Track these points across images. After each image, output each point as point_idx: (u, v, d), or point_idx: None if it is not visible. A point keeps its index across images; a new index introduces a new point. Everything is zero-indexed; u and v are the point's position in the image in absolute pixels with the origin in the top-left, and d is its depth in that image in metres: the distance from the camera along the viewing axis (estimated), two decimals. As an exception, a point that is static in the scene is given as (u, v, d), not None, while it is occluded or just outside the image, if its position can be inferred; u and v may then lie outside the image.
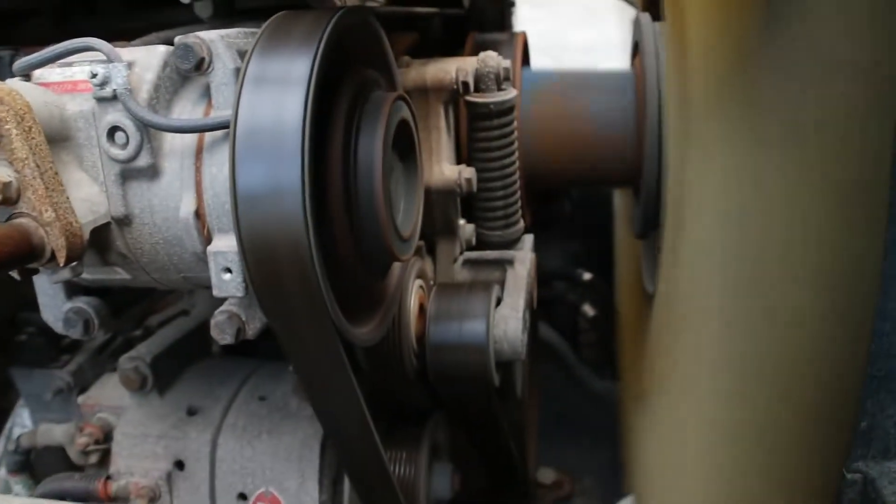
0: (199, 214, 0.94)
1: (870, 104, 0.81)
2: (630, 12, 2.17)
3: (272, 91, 0.85)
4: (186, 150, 0.94)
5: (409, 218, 1.09)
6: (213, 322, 0.95)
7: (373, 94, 1.00)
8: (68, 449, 1.36)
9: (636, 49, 1.78)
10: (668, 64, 1.62)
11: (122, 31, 1.12)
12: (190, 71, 0.91)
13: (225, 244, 0.91)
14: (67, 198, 0.88)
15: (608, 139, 1.72)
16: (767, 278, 0.94)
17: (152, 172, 0.94)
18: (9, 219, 0.84)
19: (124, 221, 0.96)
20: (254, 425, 1.29)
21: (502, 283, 1.41)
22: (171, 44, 0.94)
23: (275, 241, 0.84)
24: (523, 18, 2.63)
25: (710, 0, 1.18)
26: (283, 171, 0.83)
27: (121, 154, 0.92)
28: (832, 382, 0.77)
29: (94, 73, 0.90)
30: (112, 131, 0.91)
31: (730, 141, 1.11)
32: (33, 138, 0.84)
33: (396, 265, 1.16)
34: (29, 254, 0.84)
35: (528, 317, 1.40)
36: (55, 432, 1.38)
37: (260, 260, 0.86)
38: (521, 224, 1.52)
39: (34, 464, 1.45)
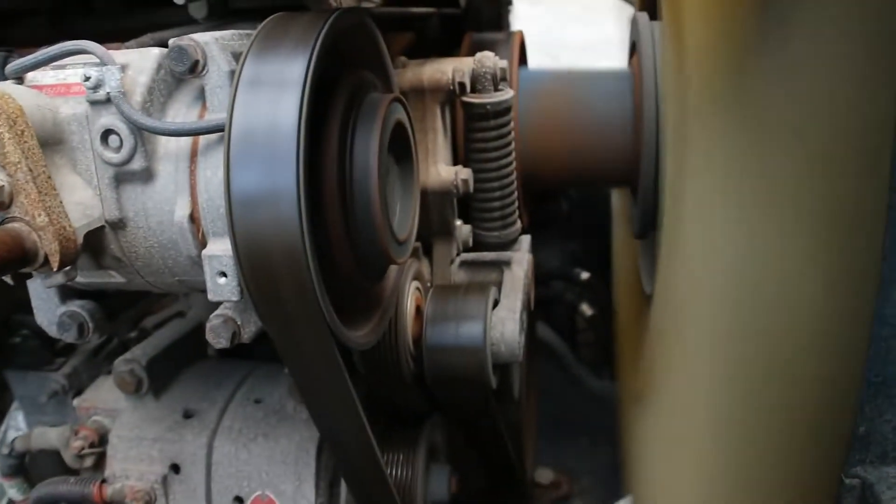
0: (193, 218, 0.93)
1: (868, 104, 0.80)
2: (628, 10, 2.16)
3: (267, 94, 0.85)
4: (181, 153, 0.93)
5: (406, 220, 1.09)
6: (208, 326, 0.94)
7: (368, 97, 1.00)
8: (63, 452, 1.35)
9: (634, 48, 1.77)
10: (665, 63, 1.61)
11: (117, 32, 1.12)
12: (184, 73, 0.90)
13: (220, 248, 0.91)
14: (61, 202, 0.87)
15: (606, 139, 1.72)
16: (765, 280, 0.94)
17: (146, 176, 0.93)
18: (1, 223, 0.83)
19: (118, 225, 0.96)
20: (250, 428, 1.28)
21: (499, 285, 1.41)
22: (166, 45, 0.93)
23: (270, 244, 0.84)
24: (521, 16, 2.63)
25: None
26: (278, 174, 0.82)
27: (115, 157, 0.91)
28: (830, 386, 0.77)
29: (88, 76, 0.89)
30: (106, 134, 0.91)
31: (727, 141, 1.10)
32: (26, 142, 0.84)
33: (393, 267, 1.15)
34: (22, 259, 0.83)
35: (526, 318, 1.40)
36: (50, 435, 1.37)
37: (255, 264, 0.85)
38: (518, 225, 1.51)
39: (29, 467, 1.44)
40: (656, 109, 1.61)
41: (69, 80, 0.94)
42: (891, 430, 0.66)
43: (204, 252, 0.91)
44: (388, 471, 1.33)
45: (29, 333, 1.43)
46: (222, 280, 0.91)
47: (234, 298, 0.91)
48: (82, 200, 0.92)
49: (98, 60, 0.91)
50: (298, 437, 1.25)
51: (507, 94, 1.39)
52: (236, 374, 1.40)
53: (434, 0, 1.66)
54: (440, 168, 1.37)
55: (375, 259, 1.00)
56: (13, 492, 1.44)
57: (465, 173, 1.37)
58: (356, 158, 0.93)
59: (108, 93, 0.89)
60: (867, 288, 0.65)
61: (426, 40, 1.80)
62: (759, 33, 0.94)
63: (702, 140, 1.25)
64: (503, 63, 1.39)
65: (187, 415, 1.32)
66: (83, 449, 1.32)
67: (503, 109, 1.39)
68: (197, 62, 0.90)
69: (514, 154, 1.46)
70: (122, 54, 0.94)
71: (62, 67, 0.95)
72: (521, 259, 1.46)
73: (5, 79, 0.96)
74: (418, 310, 1.28)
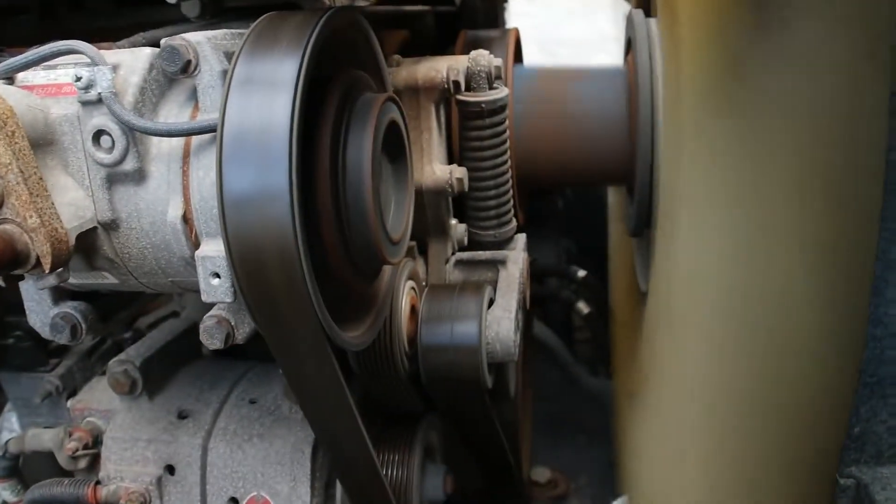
0: (186, 219, 0.93)
1: (861, 103, 0.80)
2: (624, 6, 2.16)
3: (259, 94, 0.84)
4: (173, 153, 0.93)
5: (400, 220, 1.08)
6: (202, 327, 0.94)
7: (362, 96, 0.99)
8: (57, 454, 1.34)
9: (629, 45, 1.77)
10: (660, 61, 1.61)
11: (108, 30, 1.11)
12: (176, 74, 0.90)
13: (213, 249, 0.90)
14: (52, 203, 0.87)
15: (601, 136, 1.72)
16: (760, 277, 0.94)
17: (139, 176, 0.93)
18: (-8, 225, 0.83)
19: (111, 226, 0.95)
20: (245, 429, 1.27)
21: (495, 284, 1.41)
22: (158, 44, 0.92)
23: (263, 245, 0.83)
24: (518, 12, 2.63)
25: None
26: (270, 174, 0.82)
27: (107, 158, 0.91)
28: (825, 385, 0.77)
29: (79, 76, 0.88)
30: (97, 135, 0.90)
31: (722, 138, 1.10)
32: (16, 143, 0.83)
33: (388, 267, 1.15)
34: (13, 260, 0.83)
35: (521, 317, 1.39)
36: (44, 437, 1.36)
37: (248, 265, 0.85)
38: (514, 223, 1.51)
39: (23, 469, 1.44)
40: (651, 107, 1.61)
41: (60, 81, 0.93)
42: (885, 430, 0.66)
43: (197, 253, 0.91)
44: (384, 471, 1.33)
45: (22, 335, 1.42)
46: (216, 281, 0.90)
47: (228, 300, 0.91)
48: (74, 201, 0.91)
49: (89, 60, 0.90)
50: (294, 438, 1.25)
51: (501, 92, 1.38)
52: (231, 374, 1.39)
53: (429, -2, 1.65)
54: (435, 167, 1.37)
55: (369, 259, 0.99)
56: (7, 494, 1.43)
57: (459, 172, 1.37)
58: (349, 159, 0.93)
59: (99, 93, 0.88)
60: (861, 288, 0.64)
61: (421, 38, 1.80)
62: (752, 31, 0.94)
63: (695, 138, 1.25)
64: (498, 61, 1.38)
65: (182, 415, 1.31)
66: (77, 450, 1.31)
67: (498, 108, 1.38)
68: (189, 62, 0.89)
69: (509, 152, 1.46)
70: (113, 54, 0.93)
71: (53, 67, 0.95)
72: (516, 258, 1.46)
73: (-5, 79, 0.95)
74: (413, 309, 1.28)
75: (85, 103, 0.90)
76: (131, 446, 1.28)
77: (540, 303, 2.66)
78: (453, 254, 1.48)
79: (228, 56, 0.92)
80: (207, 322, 0.94)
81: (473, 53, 1.38)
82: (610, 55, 2.06)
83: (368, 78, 1.08)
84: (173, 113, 0.95)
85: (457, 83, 1.34)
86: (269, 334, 0.92)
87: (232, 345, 0.95)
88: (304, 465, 1.23)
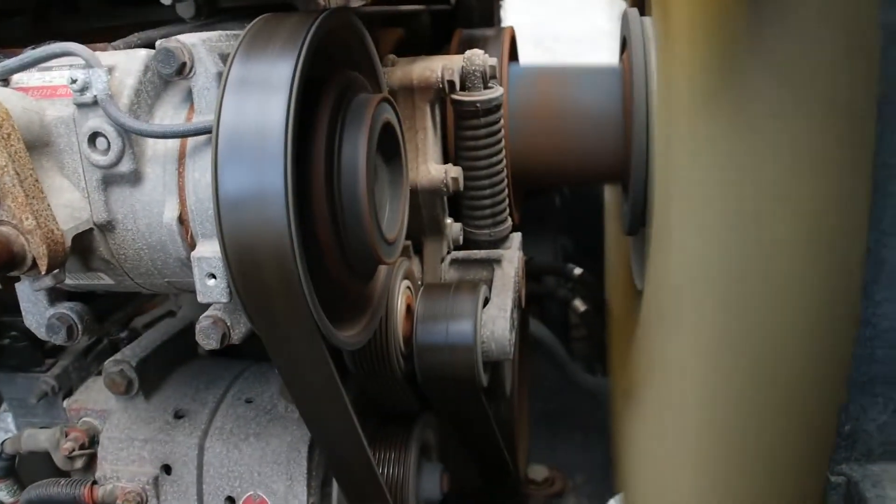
0: (182, 220, 0.93)
1: (855, 103, 0.81)
2: (619, 2, 2.17)
3: (254, 95, 0.85)
4: (169, 154, 0.93)
5: (395, 221, 1.09)
6: (198, 327, 0.94)
7: (357, 97, 1.00)
8: (53, 454, 1.34)
9: (624, 44, 1.77)
10: (654, 59, 1.62)
11: (103, 31, 1.11)
12: (171, 76, 0.90)
13: (209, 250, 0.91)
14: (48, 205, 0.87)
15: (596, 135, 1.72)
16: (754, 276, 0.95)
17: (135, 178, 0.93)
18: (-12, 227, 0.83)
19: (107, 227, 0.96)
20: (241, 428, 1.28)
21: (490, 283, 1.41)
22: (153, 45, 0.93)
23: (258, 246, 0.84)
24: (515, 8, 2.63)
25: None
26: (265, 175, 0.82)
27: (102, 160, 0.91)
28: (818, 384, 0.77)
29: (74, 78, 0.89)
30: (93, 137, 0.91)
31: (716, 137, 1.11)
32: (12, 145, 0.83)
33: (383, 267, 1.15)
34: (10, 262, 0.83)
35: (516, 316, 1.40)
36: (40, 437, 1.36)
37: (243, 266, 0.85)
38: (509, 222, 1.52)
39: (19, 469, 1.44)
40: (646, 106, 1.61)
41: (55, 83, 0.93)
42: (875, 428, 0.67)
43: (193, 254, 0.91)
44: (380, 469, 1.33)
45: (18, 335, 1.42)
46: (211, 282, 0.91)
47: (224, 300, 0.91)
48: (70, 203, 0.92)
49: (84, 62, 0.91)
50: (290, 437, 1.25)
51: (496, 91, 1.39)
52: (227, 373, 1.40)
53: (424, -3, 1.66)
54: (430, 166, 1.38)
55: (364, 260, 1.00)
56: (3, 494, 1.43)
57: (454, 171, 1.37)
58: (344, 160, 0.93)
59: (95, 95, 0.89)
60: (852, 289, 0.65)
61: (417, 37, 1.80)
62: (746, 30, 0.95)
63: (688, 137, 1.25)
64: (492, 61, 1.39)
65: (178, 415, 1.32)
66: (73, 450, 1.31)
67: (493, 107, 1.39)
68: (184, 64, 0.89)
69: (504, 151, 1.46)
70: (108, 56, 0.94)
71: (48, 69, 0.95)
72: (511, 257, 1.46)
73: (-10, 81, 0.96)
74: (409, 309, 1.28)
75: (80, 105, 0.90)
76: (128, 446, 1.29)
77: (537, 300, 2.67)
78: (449, 253, 1.48)
79: (223, 58, 0.92)
80: (203, 322, 0.94)
81: (468, 53, 1.38)
82: (606, 50, 2.06)
83: (363, 79, 1.08)
84: (169, 114, 0.95)
85: (452, 83, 1.35)
86: (265, 334, 0.92)
87: (228, 345, 0.96)
88: (300, 463, 1.23)
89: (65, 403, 1.39)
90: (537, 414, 2.47)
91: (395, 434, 1.41)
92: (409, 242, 1.41)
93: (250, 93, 0.85)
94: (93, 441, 1.34)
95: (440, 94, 1.37)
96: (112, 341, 1.52)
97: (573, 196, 2.75)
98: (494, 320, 1.29)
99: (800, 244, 0.84)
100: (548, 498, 2.24)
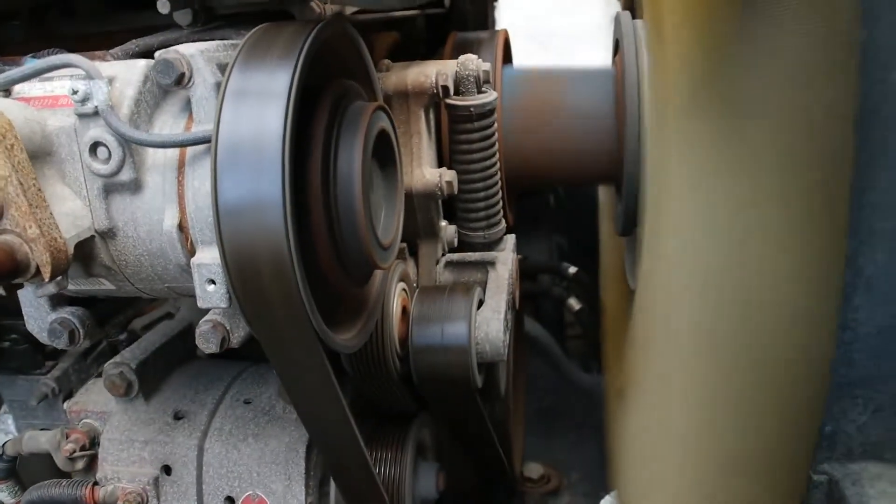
0: (182, 227, 0.95)
1: (847, 104, 0.82)
2: (616, 4, 2.18)
3: (252, 105, 0.86)
4: (168, 163, 0.95)
5: (390, 226, 1.10)
6: (197, 332, 0.96)
7: (352, 105, 1.01)
8: (54, 455, 1.36)
9: (617, 46, 1.79)
10: (646, 62, 1.63)
11: (100, 35, 1.12)
12: (170, 86, 0.92)
13: (208, 256, 0.92)
14: (51, 213, 0.89)
15: (589, 137, 1.74)
16: (741, 277, 0.96)
17: (135, 186, 0.95)
18: (-8, 236, 0.85)
19: (108, 234, 0.97)
20: (240, 429, 1.30)
21: (484, 285, 1.43)
22: (151, 51, 0.94)
23: (257, 252, 0.86)
24: (511, 4, 2.64)
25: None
26: (263, 183, 0.84)
27: (103, 169, 0.93)
28: (801, 386, 0.79)
29: (75, 89, 0.90)
30: (94, 147, 0.92)
31: (706, 139, 1.12)
32: (16, 156, 0.85)
33: (378, 271, 1.17)
34: (14, 270, 0.85)
35: (510, 317, 1.42)
36: (41, 439, 1.38)
37: (242, 272, 0.87)
38: (503, 225, 1.53)
39: (20, 471, 1.45)
40: (638, 108, 1.63)
41: (56, 92, 0.95)
42: (855, 429, 0.69)
43: (193, 260, 0.93)
44: (377, 469, 1.35)
45: (18, 338, 1.43)
46: (211, 287, 0.93)
47: (223, 305, 0.93)
48: (72, 211, 0.93)
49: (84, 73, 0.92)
50: (288, 438, 1.27)
51: (490, 96, 1.41)
52: (226, 375, 1.41)
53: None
54: (425, 170, 1.39)
55: (360, 265, 1.02)
56: (4, 495, 1.45)
57: (449, 175, 1.39)
58: (340, 167, 0.95)
59: (96, 106, 0.90)
60: (833, 293, 0.67)
61: (412, 40, 1.81)
62: (735, 32, 0.96)
63: (681, 138, 1.27)
64: (486, 65, 1.40)
65: (178, 416, 1.33)
66: (74, 452, 1.33)
67: (487, 111, 1.41)
68: (183, 74, 0.91)
69: (498, 155, 1.48)
70: (108, 66, 0.95)
71: (49, 79, 0.97)
72: (505, 259, 1.48)
73: (-8, 92, 0.97)
74: (404, 311, 1.30)
75: (81, 116, 0.92)
76: (128, 447, 1.30)
77: (532, 299, 2.69)
78: (443, 255, 1.50)
79: (221, 68, 0.94)
80: (203, 327, 0.96)
81: (462, 58, 1.40)
82: (601, 46, 2.07)
83: (359, 86, 1.10)
84: (168, 124, 0.97)
85: (446, 87, 1.36)
86: (264, 338, 0.94)
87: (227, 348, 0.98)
88: (298, 463, 1.25)
89: (65, 405, 1.40)
90: (533, 412, 2.49)
91: (392, 434, 1.43)
92: (404, 245, 1.43)
93: (248, 103, 0.87)
94: (93, 442, 1.35)
95: (434, 99, 1.39)
96: (111, 343, 1.53)
97: (568, 195, 2.77)
98: (489, 322, 1.31)
99: (788, 247, 0.85)
100: (543, 495, 2.26)
